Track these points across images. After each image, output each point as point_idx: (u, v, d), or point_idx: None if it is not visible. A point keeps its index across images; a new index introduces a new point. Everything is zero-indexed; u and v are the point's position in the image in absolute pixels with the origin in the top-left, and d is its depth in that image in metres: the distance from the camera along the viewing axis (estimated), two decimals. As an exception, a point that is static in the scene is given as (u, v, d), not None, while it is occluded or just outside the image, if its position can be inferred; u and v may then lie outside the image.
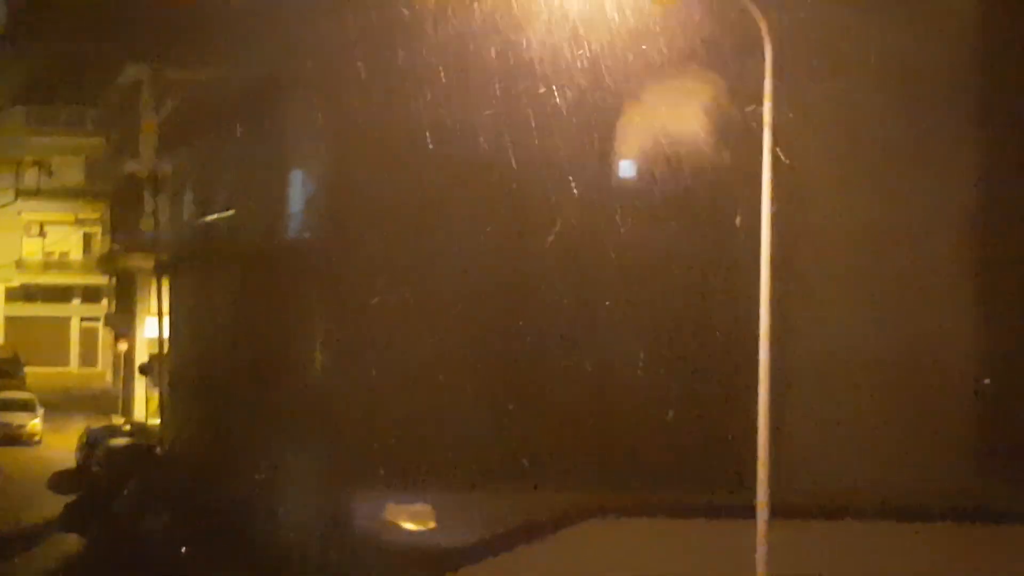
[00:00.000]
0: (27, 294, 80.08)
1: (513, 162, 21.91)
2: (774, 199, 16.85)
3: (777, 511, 16.52)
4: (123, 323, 64.91)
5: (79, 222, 76.56)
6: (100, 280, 76.44)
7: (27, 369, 67.28)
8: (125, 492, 37.46)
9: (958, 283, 17.39)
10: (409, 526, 21.99)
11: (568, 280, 21.59)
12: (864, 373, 18.56)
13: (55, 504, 41.41)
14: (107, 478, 41.32)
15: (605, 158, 21.76)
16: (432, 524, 21.89)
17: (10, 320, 80.00)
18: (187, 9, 45.08)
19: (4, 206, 76.82)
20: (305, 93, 27.99)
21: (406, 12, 23.54)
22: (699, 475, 19.89)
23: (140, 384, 57.90)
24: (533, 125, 22.03)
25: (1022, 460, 17.78)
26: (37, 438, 54.82)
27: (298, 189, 29.83)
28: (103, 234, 72.74)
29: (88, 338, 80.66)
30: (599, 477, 20.84)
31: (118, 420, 57.34)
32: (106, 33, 68.69)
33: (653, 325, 21.17)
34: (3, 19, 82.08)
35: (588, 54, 21.54)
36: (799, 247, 18.57)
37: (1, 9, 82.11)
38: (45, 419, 56.32)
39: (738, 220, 19.91)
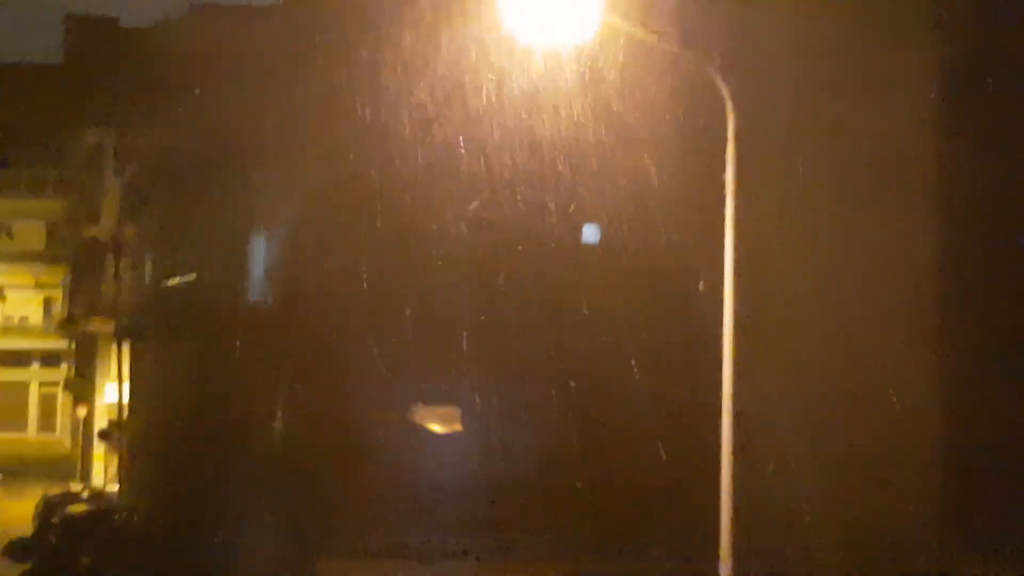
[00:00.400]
0: (-15, 359, 79.59)
1: (461, 226, 21.94)
2: (737, 262, 16.88)
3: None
4: (83, 388, 64.50)
5: (39, 286, 76.22)
6: (60, 344, 76.01)
7: (-16, 434, 66.82)
8: (82, 560, 37.05)
9: (918, 337, 17.48)
10: (436, 428, 21.80)
11: (533, 343, 21.57)
12: (829, 438, 18.54)
13: (11, 572, 40.91)
14: (64, 545, 40.86)
15: (567, 221, 21.77)
16: (458, 426, 21.71)
17: (-32, 385, 79.44)
18: (148, 73, 45.11)
19: (-37, 270, 76.48)
20: (266, 158, 28.00)
21: (368, 76, 23.60)
22: (662, 543, 19.80)
23: (99, 450, 57.46)
24: (494, 186, 22.09)
25: (985, 518, 17.76)
26: (-7, 504, 54.37)
27: (259, 253, 29.76)
28: (63, 298, 72.43)
29: (47, 403, 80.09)
30: (567, 546, 20.71)
31: (76, 486, 56.81)
32: (67, 97, 68.61)
33: (617, 386, 21.14)
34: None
35: (551, 116, 21.61)
36: (764, 308, 18.58)
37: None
38: (2, 485, 55.80)
39: (701, 285, 19.91)
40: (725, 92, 17.03)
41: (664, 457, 20.15)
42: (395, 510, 22.30)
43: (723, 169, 17.30)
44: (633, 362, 20.49)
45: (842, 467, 18.50)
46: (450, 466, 22.19)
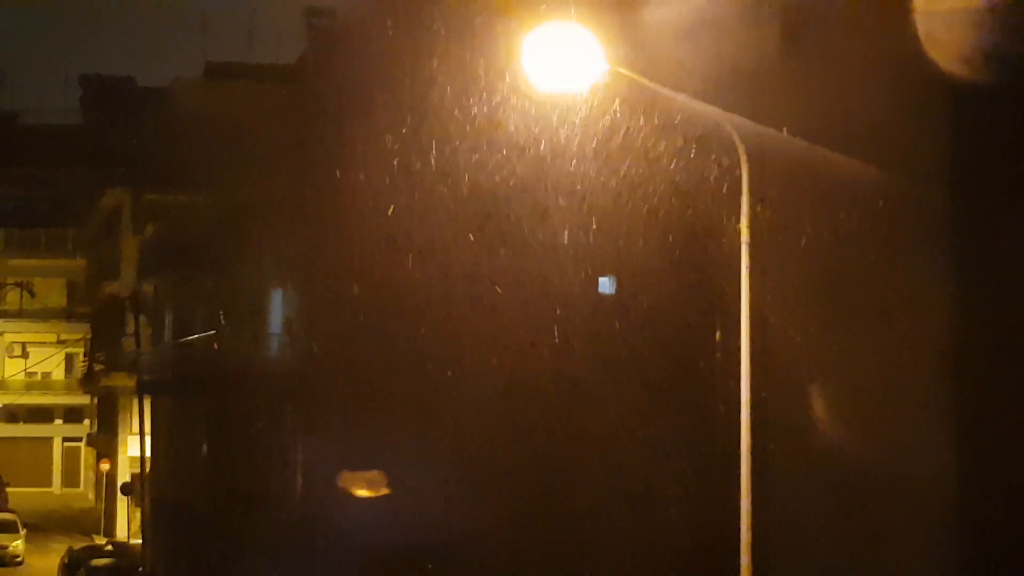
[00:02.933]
0: (9, 414, 79.80)
1: (475, 280, 22.00)
2: (753, 316, 16.89)
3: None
4: (105, 443, 64.67)
5: (61, 343, 76.51)
6: (82, 400, 76.26)
7: (9, 489, 66.91)
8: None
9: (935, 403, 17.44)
10: (363, 493, 21.69)
11: (550, 401, 21.54)
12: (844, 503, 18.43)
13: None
14: (89, 600, 41.00)
15: (579, 275, 21.81)
16: (386, 490, 21.58)
17: (-8, 440, 79.72)
18: (165, 132, 45.37)
19: (-14, 327, 76.84)
20: (282, 216, 28.13)
21: (383, 131, 23.71)
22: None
23: (122, 504, 57.60)
24: (507, 240, 22.13)
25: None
26: (19, 559, 54.44)
27: (278, 310, 29.89)
28: (85, 355, 72.70)
29: (70, 458, 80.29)
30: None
31: (100, 540, 56.97)
32: (87, 157, 69.08)
33: (630, 439, 21.09)
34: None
35: (560, 167, 21.68)
36: (780, 363, 18.57)
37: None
38: (27, 539, 55.95)
39: (718, 335, 19.89)
40: (739, 143, 17.08)
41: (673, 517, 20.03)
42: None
43: (737, 219, 17.31)
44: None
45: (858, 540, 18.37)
46: (470, 524, 22.15)
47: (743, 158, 17.07)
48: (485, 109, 22.03)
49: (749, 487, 16.63)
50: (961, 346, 16.47)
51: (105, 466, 62.47)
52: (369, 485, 22.25)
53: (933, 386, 16.65)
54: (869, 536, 17.43)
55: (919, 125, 16.71)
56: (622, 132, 20.53)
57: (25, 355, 78.31)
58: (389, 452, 23.17)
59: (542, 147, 21.51)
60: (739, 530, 16.66)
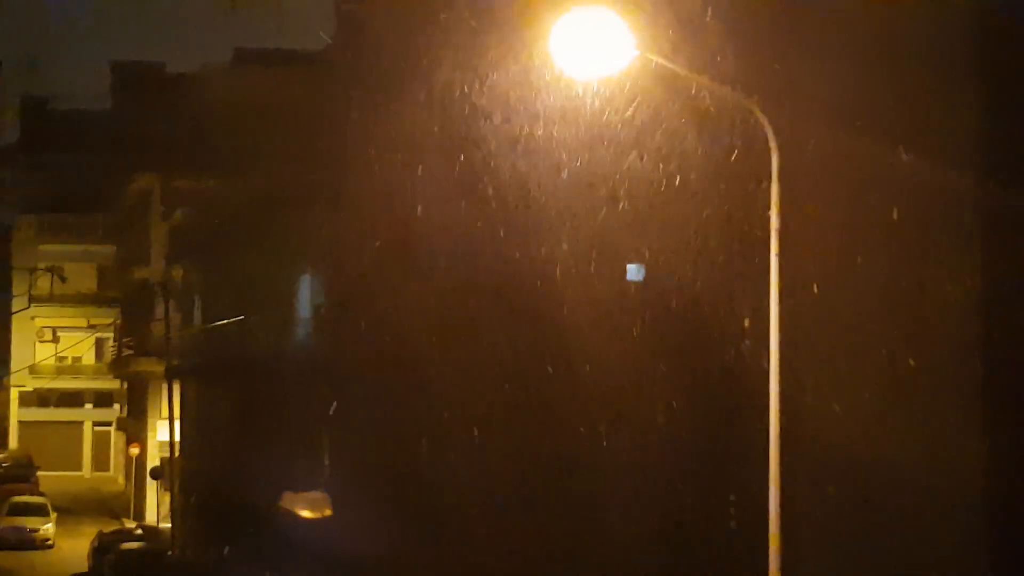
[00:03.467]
0: (40, 399, 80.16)
1: (503, 265, 21.91)
2: (782, 302, 16.78)
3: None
4: (135, 427, 64.90)
5: (91, 327, 76.74)
6: (112, 385, 76.54)
7: (40, 473, 67.20)
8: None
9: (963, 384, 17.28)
10: (306, 513, 21.67)
11: (577, 387, 21.47)
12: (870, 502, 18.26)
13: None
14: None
15: (610, 261, 21.71)
16: (328, 512, 21.51)
17: (24, 425, 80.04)
18: (195, 117, 45.39)
19: (18, 312, 77.05)
20: (312, 201, 28.13)
21: (413, 117, 23.67)
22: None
23: (152, 488, 57.81)
24: (538, 230, 22.06)
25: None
26: (50, 542, 54.65)
27: (306, 295, 29.91)
28: (115, 339, 72.94)
29: (100, 442, 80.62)
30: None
31: (130, 524, 57.19)
32: (117, 143, 69.19)
33: (660, 429, 21.01)
34: (16, 130, 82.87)
35: (588, 153, 21.60)
36: (806, 352, 18.46)
37: (14, 120, 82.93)
38: (58, 523, 56.17)
39: (746, 323, 19.80)
40: (769, 130, 16.96)
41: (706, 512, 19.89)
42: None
43: (767, 207, 17.19)
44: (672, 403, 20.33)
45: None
46: (495, 526, 21.99)
47: (773, 145, 16.95)
48: (514, 94, 21.98)
49: (778, 478, 16.54)
50: (996, 340, 16.33)
51: (135, 450, 62.69)
52: (312, 507, 22.20)
53: (965, 380, 16.51)
54: (896, 533, 17.33)
55: (954, 112, 16.59)
56: (650, 118, 20.45)
57: (56, 340, 78.58)
58: (417, 435, 23.17)
59: (570, 133, 21.45)
60: (767, 521, 16.58)
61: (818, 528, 17.67)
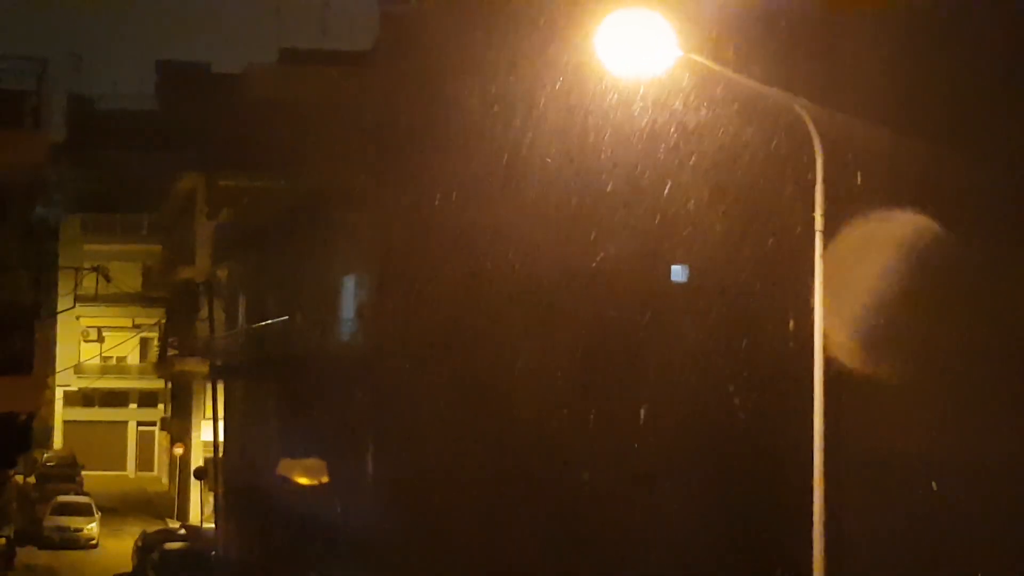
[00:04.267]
0: (85, 398, 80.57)
1: (547, 265, 21.89)
2: (826, 300, 16.70)
3: None
4: (179, 427, 65.15)
5: (136, 327, 77.07)
6: (157, 384, 76.86)
7: (85, 473, 67.53)
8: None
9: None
10: (303, 480, 21.65)
11: (620, 388, 21.44)
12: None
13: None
14: (162, 582, 41.30)
15: (654, 261, 21.68)
16: (325, 478, 21.47)
17: (68, 424, 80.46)
18: (240, 118, 45.52)
19: (63, 312, 77.48)
20: (356, 202, 28.15)
21: (458, 121, 23.66)
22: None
23: (195, 488, 58.00)
24: (582, 231, 22.04)
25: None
26: (94, 542, 54.95)
27: (351, 295, 29.94)
28: (159, 339, 73.23)
29: (144, 442, 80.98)
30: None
31: (173, 524, 57.40)
32: (162, 142, 69.51)
33: (704, 426, 20.95)
34: (62, 129, 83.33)
35: (633, 156, 21.57)
36: (853, 354, 18.36)
37: (59, 119, 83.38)
38: (102, 523, 56.44)
39: (791, 324, 19.71)
40: (813, 131, 16.89)
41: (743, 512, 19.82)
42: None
43: (811, 208, 17.12)
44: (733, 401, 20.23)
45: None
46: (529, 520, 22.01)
47: (817, 146, 16.88)
48: (560, 95, 21.97)
49: (822, 477, 16.45)
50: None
51: (179, 450, 62.94)
52: (308, 473, 22.23)
53: (1018, 384, 16.38)
54: (946, 533, 17.21)
55: (1000, 111, 16.49)
56: (695, 119, 20.41)
57: (101, 339, 78.98)
58: (458, 435, 23.17)
59: (615, 133, 21.42)
60: (811, 523, 16.50)
61: (864, 527, 17.63)
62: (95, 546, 54.71)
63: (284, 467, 22.15)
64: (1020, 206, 16.52)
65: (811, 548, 16.39)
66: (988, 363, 16.69)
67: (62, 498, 57.16)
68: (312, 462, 22.12)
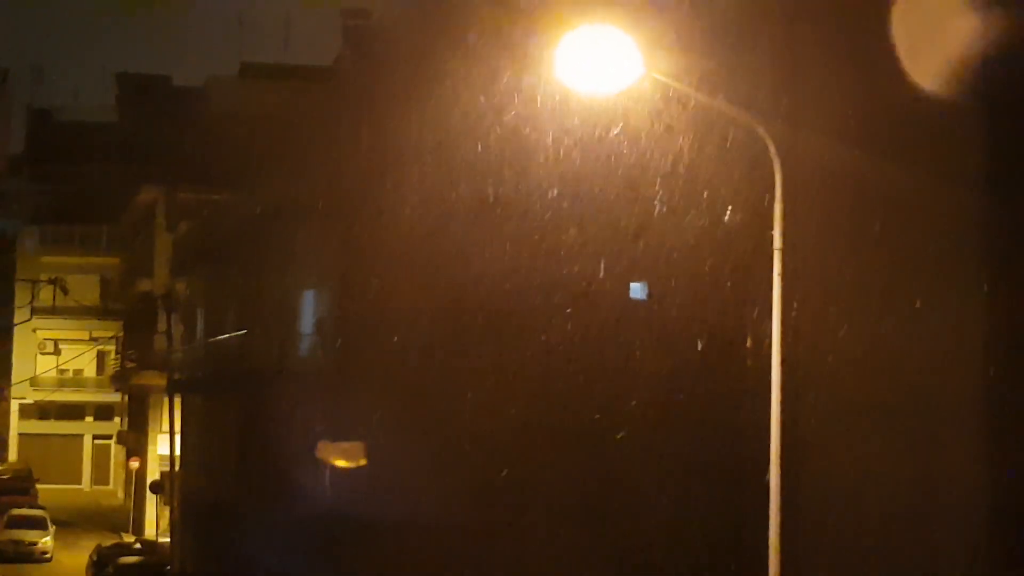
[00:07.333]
0: (41, 411, 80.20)
1: (508, 279, 21.93)
2: (784, 320, 16.78)
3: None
4: (135, 441, 64.90)
5: (93, 340, 76.83)
6: (113, 398, 76.59)
7: (39, 486, 67.19)
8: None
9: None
10: (341, 463, 21.68)
11: (584, 405, 21.47)
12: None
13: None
14: (117, 598, 41.11)
15: (608, 279, 21.73)
16: (363, 461, 21.53)
17: (24, 437, 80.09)
18: (200, 131, 45.49)
19: (20, 324, 77.12)
20: (314, 215, 28.15)
21: (417, 135, 23.69)
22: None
23: (151, 502, 57.79)
24: (540, 244, 22.08)
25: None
26: (48, 555, 54.68)
27: (310, 309, 29.92)
28: (117, 352, 72.98)
29: (101, 455, 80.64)
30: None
31: (129, 538, 57.16)
32: (122, 155, 69.34)
33: (657, 445, 21.01)
34: (20, 140, 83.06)
35: (593, 171, 21.60)
36: (809, 371, 18.46)
37: (18, 130, 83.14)
38: (56, 536, 56.15)
39: (748, 343, 19.78)
40: (773, 150, 16.98)
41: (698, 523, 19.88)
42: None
43: (770, 226, 17.20)
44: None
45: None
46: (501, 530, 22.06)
47: (776, 164, 16.97)
48: (520, 111, 22.01)
49: (779, 493, 16.53)
50: (997, 351, 16.35)
51: (135, 464, 62.69)
52: (345, 456, 22.28)
53: (969, 392, 16.53)
54: (898, 543, 17.34)
55: (955, 127, 16.63)
56: (655, 136, 20.48)
57: (57, 352, 78.66)
58: (417, 450, 23.17)
59: (576, 150, 21.47)
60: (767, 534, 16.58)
61: (820, 535, 17.75)
62: (49, 560, 54.42)
63: (321, 450, 22.27)
64: (969, 218, 16.67)
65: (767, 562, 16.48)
66: (939, 376, 16.84)
67: (16, 511, 56.84)
68: (350, 445, 22.21)
